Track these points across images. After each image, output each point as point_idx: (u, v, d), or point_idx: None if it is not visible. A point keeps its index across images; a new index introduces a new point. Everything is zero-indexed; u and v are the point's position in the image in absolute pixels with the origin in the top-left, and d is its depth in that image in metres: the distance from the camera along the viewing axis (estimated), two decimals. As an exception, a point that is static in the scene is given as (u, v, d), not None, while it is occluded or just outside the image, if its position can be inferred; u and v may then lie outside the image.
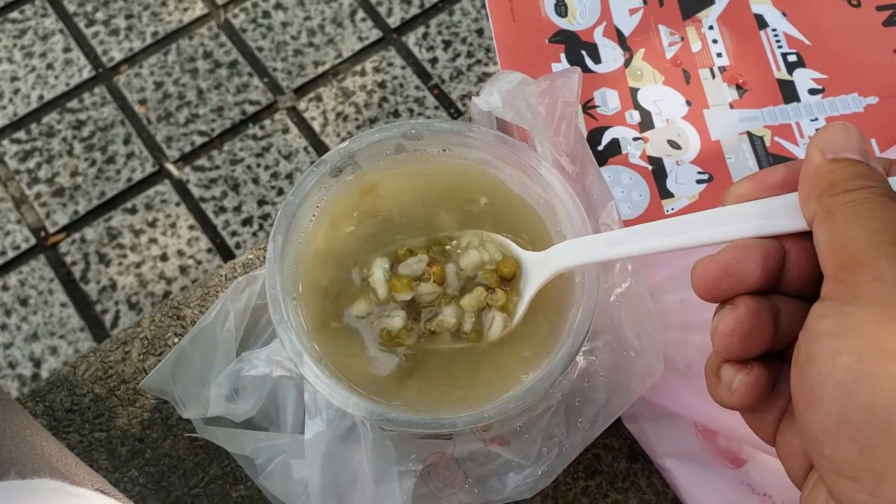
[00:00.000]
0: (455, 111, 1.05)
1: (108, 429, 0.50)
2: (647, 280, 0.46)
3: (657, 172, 0.56)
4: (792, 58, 0.59)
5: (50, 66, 1.04)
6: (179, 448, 0.50)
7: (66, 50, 1.05)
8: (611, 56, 0.59)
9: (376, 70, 1.06)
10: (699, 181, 0.56)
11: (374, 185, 0.43)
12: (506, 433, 0.40)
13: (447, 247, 0.41)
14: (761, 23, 0.60)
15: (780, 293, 0.29)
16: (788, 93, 0.58)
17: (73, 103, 1.03)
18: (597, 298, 0.39)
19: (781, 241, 0.29)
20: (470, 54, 1.09)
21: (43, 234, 0.97)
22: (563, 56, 0.59)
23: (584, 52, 0.59)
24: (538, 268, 0.39)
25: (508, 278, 0.40)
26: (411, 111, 1.05)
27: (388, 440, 0.37)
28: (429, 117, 1.05)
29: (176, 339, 0.52)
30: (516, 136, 0.48)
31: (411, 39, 1.09)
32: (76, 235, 0.97)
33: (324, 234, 0.42)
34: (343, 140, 1.02)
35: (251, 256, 0.55)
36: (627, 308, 0.42)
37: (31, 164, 1.00)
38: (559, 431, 0.40)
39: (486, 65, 1.07)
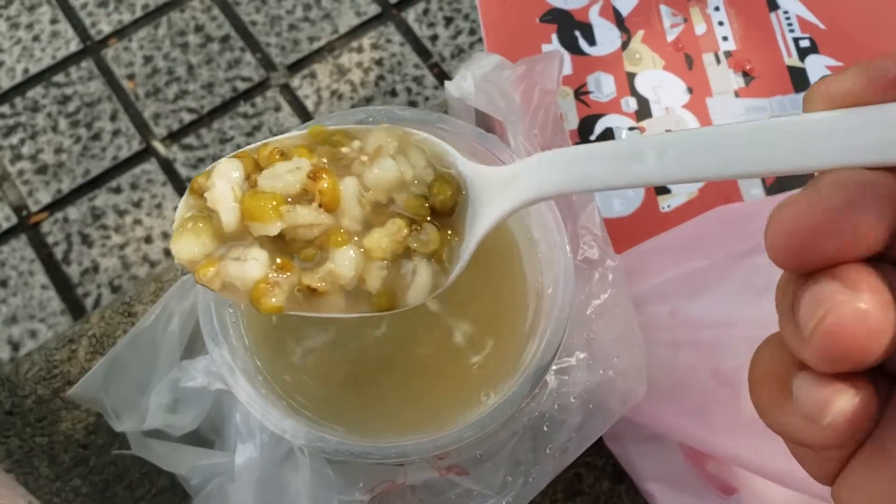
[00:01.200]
0: (455, 91, 1.01)
1: (50, 433, 0.47)
2: (633, 289, 0.42)
3: (653, 166, 0.51)
4: (804, 43, 0.54)
5: (36, 39, 1.00)
6: (126, 456, 0.46)
7: (54, 21, 1.01)
8: (607, 38, 0.54)
9: (374, 47, 1.01)
10: (699, 176, 0.51)
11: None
12: (464, 461, 0.36)
13: (344, 149, 0.27)
14: (772, 4, 0.55)
15: (891, 260, 0.18)
16: (799, 81, 0.53)
17: (59, 77, 1.00)
18: (569, 311, 0.35)
19: None
20: (472, 31, 1.04)
21: (25, 212, 0.94)
22: (554, 37, 0.54)
23: (577, 33, 0.54)
24: (494, 193, 0.26)
25: (443, 209, 0.26)
26: (409, 90, 1.00)
27: (329, 468, 0.34)
28: (427, 97, 1.01)
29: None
30: (496, 129, 0.44)
31: (411, 15, 1.04)
32: (59, 215, 0.94)
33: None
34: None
35: (211, 250, 0.51)
36: (607, 322, 0.38)
37: (14, 139, 0.97)
38: (526, 458, 0.36)
39: (489, 43, 1.03)
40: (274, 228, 0.25)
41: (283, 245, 0.26)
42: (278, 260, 0.26)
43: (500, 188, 0.25)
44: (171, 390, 0.39)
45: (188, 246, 0.26)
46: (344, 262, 0.26)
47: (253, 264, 0.26)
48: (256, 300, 0.26)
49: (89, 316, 0.49)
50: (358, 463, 0.35)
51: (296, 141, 0.28)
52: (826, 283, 0.17)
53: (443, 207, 0.26)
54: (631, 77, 0.53)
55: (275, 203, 0.25)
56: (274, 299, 0.26)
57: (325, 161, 0.27)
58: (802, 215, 0.17)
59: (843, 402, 0.17)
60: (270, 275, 0.26)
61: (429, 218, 0.27)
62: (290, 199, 0.26)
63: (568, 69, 0.53)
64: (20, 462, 0.46)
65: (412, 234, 0.26)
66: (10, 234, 0.96)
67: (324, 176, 0.26)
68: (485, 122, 0.44)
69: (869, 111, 0.18)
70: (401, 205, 0.27)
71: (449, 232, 0.27)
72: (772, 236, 0.18)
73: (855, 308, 0.16)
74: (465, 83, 0.41)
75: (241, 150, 0.28)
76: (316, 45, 1.04)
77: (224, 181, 0.26)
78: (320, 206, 0.26)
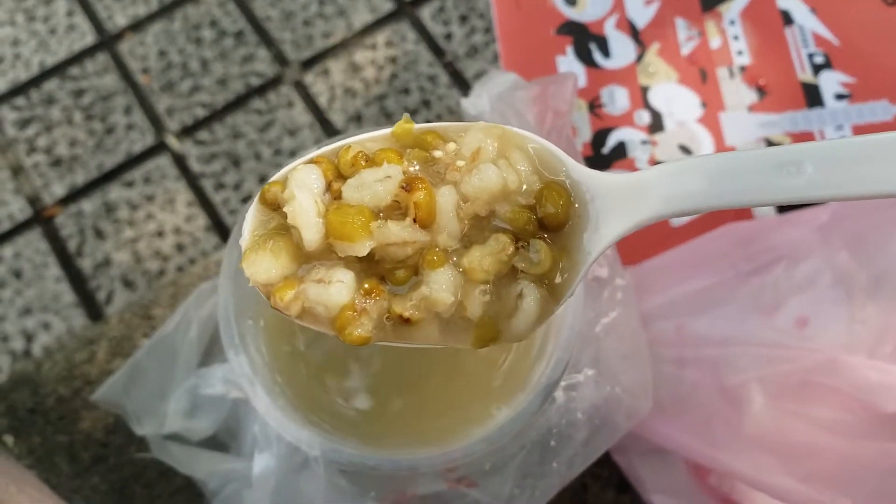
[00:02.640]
0: (468, 90, 1.01)
1: (71, 432, 0.48)
2: (640, 305, 0.43)
3: (664, 179, 0.52)
4: (818, 59, 0.54)
5: (52, 31, 1.01)
6: (144, 456, 0.48)
7: (70, 14, 1.02)
8: (622, 50, 0.55)
9: (388, 44, 1.02)
10: (709, 190, 0.52)
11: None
12: (473, 474, 0.37)
13: (437, 152, 0.23)
14: (787, 19, 0.55)
15: None
16: (813, 97, 0.54)
17: (75, 70, 1.00)
18: (578, 329, 0.36)
19: None
20: (487, 30, 1.05)
21: (39, 205, 0.95)
22: (569, 49, 0.55)
23: (592, 46, 0.55)
24: (617, 205, 0.22)
25: (555, 224, 0.22)
26: (423, 89, 1.01)
27: (343, 479, 0.35)
28: (440, 96, 1.01)
29: (144, 340, 0.50)
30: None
31: (426, 13, 1.04)
32: (73, 208, 0.95)
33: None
34: (350, 118, 0.98)
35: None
36: (614, 339, 0.39)
37: (29, 132, 0.98)
38: (533, 472, 0.37)
39: (502, 43, 1.03)
40: (363, 248, 0.21)
41: (370, 265, 0.22)
42: (366, 284, 0.22)
43: (624, 200, 0.22)
44: (190, 396, 0.40)
45: (265, 267, 0.22)
46: (441, 285, 0.21)
47: (338, 287, 0.21)
48: (341, 329, 0.22)
49: (108, 318, 0.50)
50: (371, 473, 0.36)
51: (380, 143, 0.24)
52: None
53: (554, 221, 0.22)
54: (645, 90, 0.54)
55: (363, 219, 0.21)
56: (360, 329, 0.22)
57: (418, 167, 0.23)
58: None
59: None
60: (357, 300, 0.22)
61: (538, 233, 0.22)
62: (380, 213, 0.22)
63: (582, 82, 0.54)
64: (41, 459, 0.48)
65: (518, 251, 0.22)
66: (24, 226, 0.97)
67: (420, 186, 0.21)
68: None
69: None
70: (504, 218, 0.23)
71: (558, 249, 0.22)
72: None
73: None
74: (480, 101, 0.42)
75: (317, 152, 0.24)
76: (330, 42, 1.04)
77: (305, 193, 0.22)
78: (415, 220, 0.21)
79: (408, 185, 0.22)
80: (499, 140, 0.23)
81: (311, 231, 0.22)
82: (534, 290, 0.22)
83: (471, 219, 0.23)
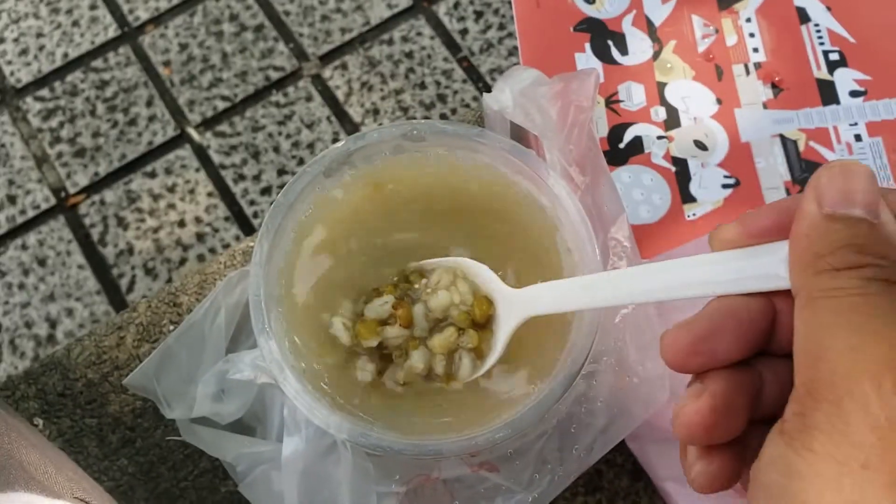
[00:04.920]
0: (483, 85, 1.02)
1: (99, 415, 0.50)
2: (658, 297, 0.44)
3: (680, 174, 0.53)
4: (834, 56, 0.55)
5: (76, 24, 1.03)
6: (173, 439, 0.49)
7: (93, 7, 1.03)
8: (639, 47, 0.56)
9: (404, 39, 1.03)
10: (725, 186, 0.53)
11: (369, 189, 0.41)
12: (495, 459, 0.38)
13: (416, 285, 0.39)
14: (803, 17, 0.56)
15: (771, 354, 0.25)
16: (828, 94, 0.54)
17: (98, 62, 1.02)
18: (598, 320, 0.37)
19: (772, 297, 0.24)
20: (502, 26, 1.05)
21: (63, 194, 0.97)
22: (587, 46, 0.56)
23: (610, 42, 0.56)
24: (510, 309, 0.36)
25: (481, 320, 0.37)
26: (438, 83, 1.02)
27: (370, 462, 0.36)
28: (455, 91, 1.02)
29: (171, 327, 0.51)
30: (531, 141, 0.45)
31: (441, 8, 1.05)
32: (96, 197, 0.97)
33: (314, 240, 0.40)
34: (367, 111, 1.00)
35: (252, 244, 0.53)
36: (633, 330, 0.40)
37: (53, 122, 0.99)
38: (553, 458, 0.39)
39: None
40: (374, 342, 0.38)
41: (382, 352, 0.39)
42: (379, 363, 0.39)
43: (513, 306, 0.36)
44: (218, 381, 0.42)
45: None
46: (417, 360, 0.38)
47: (365, 374, 0.38)
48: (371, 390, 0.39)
49: (136, 305, 0.52)
50: (395, 458, 0.37)
51: (389, 279, 0.40)
52: (690, 388, 0.24)
53: (480, 319, 0.37)
54: (661, 87, 0.55)
55: (372, 326, 0.38)
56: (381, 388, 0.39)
57: (405, 293, 0.39)
58: (678, 341, 0.24)
59: (699, 467, 0.24)
60: (376, 377, 0.38)
61: (472, 326, 0.37)
62: (382, 322, 0.38)
63: (600, 78, 0.55)
64: (70, 441, 0.49)
65: (460, 336, 0.38)
66: (48, 214, 0.99)
67: (402, 305, 0.38)
68: (519, 134, 0.46)
69: (738, 254, 0.25)
70: (453, 318, 0.38)
71: (485, 332, 0.38)
72: (662, 351, 0.25)
73: (697, 406, 0.23)
74: (503, 96, 0.43)
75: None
76: (348, 37, 1.05)
77: (338, 320, 0.39)
78: (400, 325, 0.38)
79: (396, 305, 0.38)
80: (454, 274, 0.38)
81: (344, 336, 0.39)
82: (466, 358, 0.38)
83: (433, 321, 0.38)
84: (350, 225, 0.40)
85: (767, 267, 0.24)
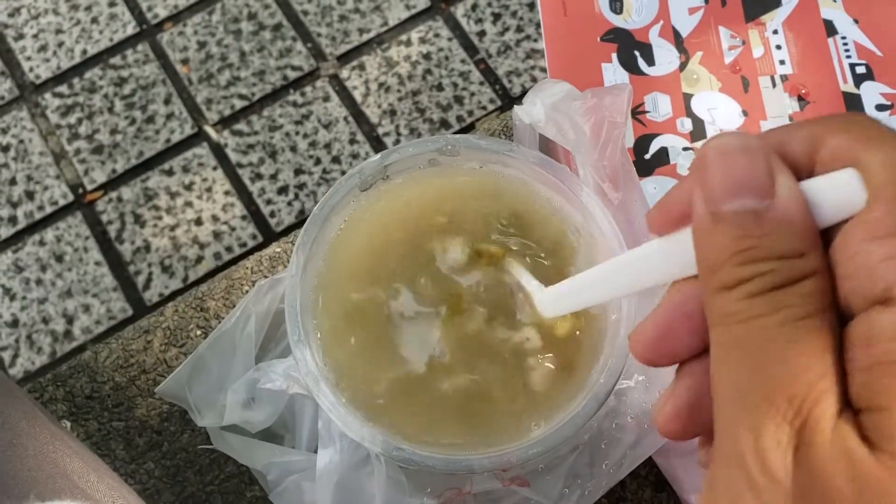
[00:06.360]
0: (500, 87, 1.02)
1: (126, 419, 0.50)
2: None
3: (706, 187, 0.53)
4: (860, 69, 0.55)
5: (95, 21, 1.03)
6: (196, 443, 0.49)
7: (112, 4, 1.04)
8: (665, 58, 0.56)
9: (422, 41, 1.03)
10: (750, 198, 0.53)
11: (404, 202, 0.41)
12: (526, 473, 0.38)
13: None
14: (830, 29, 0.56)
15: None
16: (854, 107, 0.55)
17: (116, 59, 1.02)
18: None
19: None
20: (520, 28, 1.05)
21: (81, 190, 0.97)
22: (614, 56, 0.56)
23: (637, 53, 0.56)
24: (550, 302, 0.35)
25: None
26: (455, 85, 1.02)
27: (402, 475, 0.36)
28: (472, 93, 1.02)
29: (198, 332, 0.51)
30: (560, 154, 0.46)
31: (460, 10, 1.05)
32: (113, 194, 0.97)
33: (350, 252, 0.40)
34: (384, 112, 1.00)
35: (278, 250, 0.53)
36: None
37: (71, 119, 1.00)
38: (583, 472, 0.39)
39: (536, 41, 1.04)
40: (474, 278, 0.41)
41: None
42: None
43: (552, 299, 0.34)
44: (248, 389, 0.42)
45: None
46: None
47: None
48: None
49: (163, 309, 0.52)
50: (429, 471, 0.37)
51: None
52: (665, 390, 0.22)
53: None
54: (687, 98, 0.55)
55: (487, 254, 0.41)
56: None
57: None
58: (641, 336, 0.22)
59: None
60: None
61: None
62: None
63: (631, 93, 0.55)
64: (98, 444, 0.50)
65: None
66: (66, 210, 0.99)
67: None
68: (547, 146, 0.46)
69: (671, 240, 0.22)
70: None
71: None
72: (630, 347, 0.23)
73: (671, 400, 0.21)
74: (534, 110, 0.43)
75: None
76: (366, 37, 1.05)
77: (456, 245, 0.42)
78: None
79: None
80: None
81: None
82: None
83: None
84: (384, 238, 0.41)
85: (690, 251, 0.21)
